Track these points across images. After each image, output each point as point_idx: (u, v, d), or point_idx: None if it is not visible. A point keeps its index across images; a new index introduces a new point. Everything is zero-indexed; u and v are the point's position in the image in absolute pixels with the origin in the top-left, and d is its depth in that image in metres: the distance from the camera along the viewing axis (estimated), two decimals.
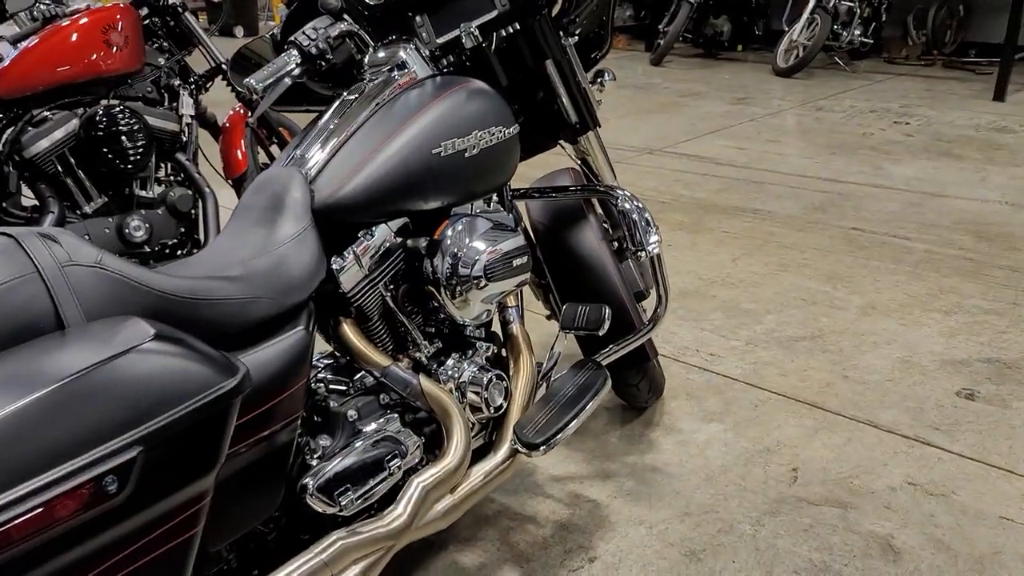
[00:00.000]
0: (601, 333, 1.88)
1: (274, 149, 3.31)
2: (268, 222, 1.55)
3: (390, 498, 1.59)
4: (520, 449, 1.76)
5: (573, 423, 1.78)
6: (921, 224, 4.08)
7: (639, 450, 2.32)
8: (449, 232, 1.71)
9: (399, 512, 1.56)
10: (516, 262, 1.78)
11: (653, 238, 1.91)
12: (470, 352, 1.84)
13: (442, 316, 1.80)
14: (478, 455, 1.79)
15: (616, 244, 2.27)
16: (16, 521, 0.88)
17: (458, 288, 1.70)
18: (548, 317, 2.39)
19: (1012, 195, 4.51)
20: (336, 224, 1.61)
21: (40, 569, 0.92)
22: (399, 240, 1.72)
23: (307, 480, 1.44)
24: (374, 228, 1.66)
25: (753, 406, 2.52)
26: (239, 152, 3.10)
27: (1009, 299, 3.22)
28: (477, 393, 1.78)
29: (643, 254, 1.90)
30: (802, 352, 2.85)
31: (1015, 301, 3.20)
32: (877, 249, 3.77)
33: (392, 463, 1.55)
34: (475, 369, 1.79)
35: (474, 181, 1.76)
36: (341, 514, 1.47)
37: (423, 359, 1.77)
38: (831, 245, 3.84)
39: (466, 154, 1.72)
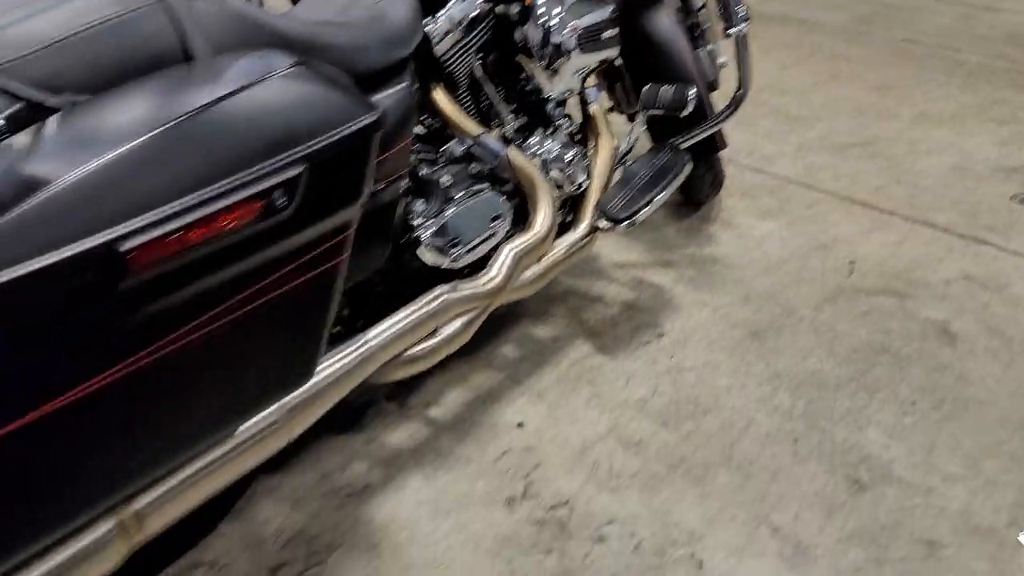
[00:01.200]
0: (684, 114, 1.86)
1: None
2: None
3: (481, 265, 1.64)
4: (602, 225, 1.79)
5: (656, 201, 1.80)
6: (973, 37, 3.96)
7: (697, 242, 2.36)
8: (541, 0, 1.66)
9: (493, 275, 1.60)
10: (605, 35, 1.74)
11: (742, 15, 1.85)
12: (553, 129, 1.83)
13: (528, 89, 1.78)
14: (558, 232, 1.82)
15: (690, 31, 2.21)
16: (195, 228, 0.91)
17: (549, 58, 1.67)
18: (610, 109, 2.36)
19: None
20: None
21: (215, 275, 0.96)
22: (489, 6, 1.67)
23: (420, 233, 1.48)
24: None
25: (807, 205, 2.55)
26: None
27: None
28: (561, 170, 1.78)
29: (733, 31, 1.85)
30: (854, 158, 2.84)
31: None
32: (928, 61, 3.67)
33: (495, 223, 1.58)
34: (559, 146, 1.79)
35: None
36: (451, 266, 1.52)
37: (508, 134, 1.76)
38: (881, 57, 3.73)
39: None
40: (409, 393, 1.79)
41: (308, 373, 1.17)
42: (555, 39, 1.65)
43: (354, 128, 1.06)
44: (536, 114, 1.82)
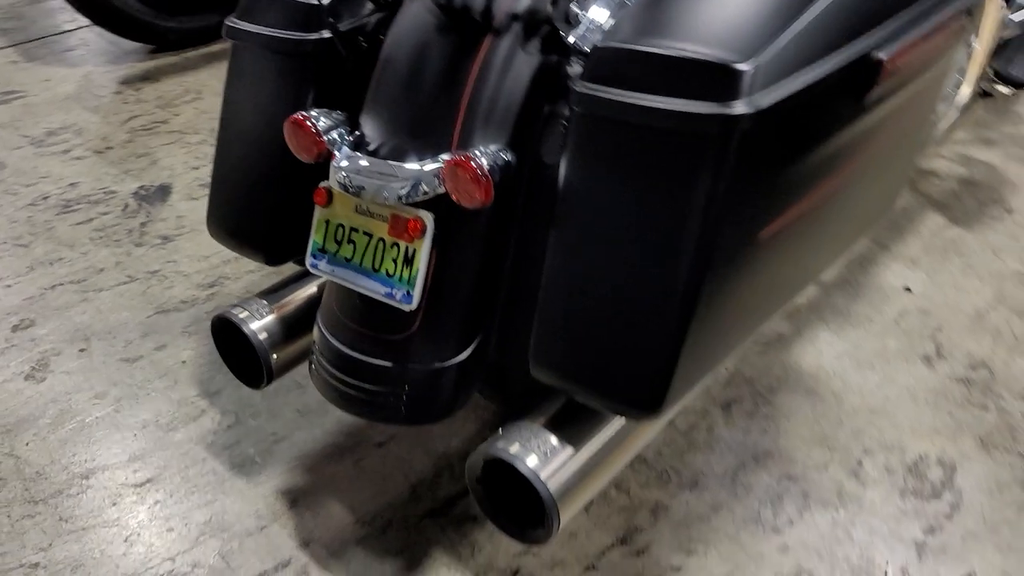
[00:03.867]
0: None
1: None
2: None
3: None
4: (998, 87, 1.75)
5: None
6: None
7: (1012, 122, 2.29)
8: None
9: None
10: None
11: None
12: None
13: None
14: None
15: None
16: (925, 35, 0.90)
17: None
18: None
19: None
20: None
21: (902, 96, 0.95)
22: None
23: None
24: None
25: None
26: None
27: None
28: None
29: None
30: None
31: None
32: None
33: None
34: None
35: None
36: None
37: None
38: None
39: None
40: None
41: (893, 202, 1.18)
42: None
43: None
44: None
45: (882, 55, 0.85)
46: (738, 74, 0.78)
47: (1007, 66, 1.73)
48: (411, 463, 1.34)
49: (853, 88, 0.86)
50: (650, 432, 1.03)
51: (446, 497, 1.28)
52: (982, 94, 1.83)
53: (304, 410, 1.42)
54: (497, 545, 1.22)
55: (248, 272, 1.70)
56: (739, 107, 0.78)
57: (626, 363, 0.85)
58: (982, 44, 1.79)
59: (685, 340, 0.84)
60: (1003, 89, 1.74)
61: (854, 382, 1.52)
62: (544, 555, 1.22)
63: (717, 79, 0.79)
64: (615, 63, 0.84)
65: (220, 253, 1.75)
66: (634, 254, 0.84)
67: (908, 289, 1.73)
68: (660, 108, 0.81)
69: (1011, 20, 1.86)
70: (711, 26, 0.82)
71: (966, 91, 1.78)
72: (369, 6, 1.11)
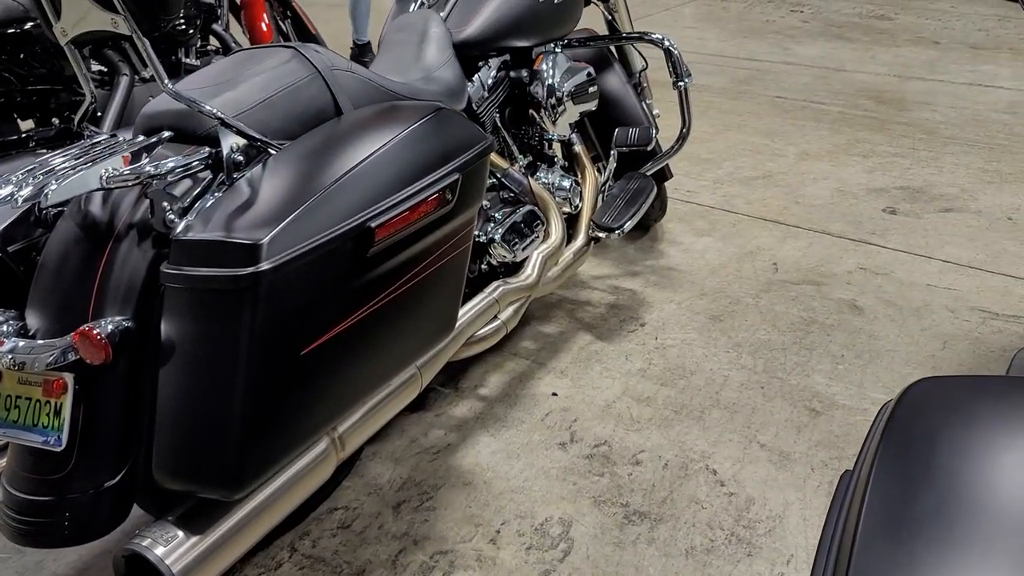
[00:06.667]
0: (650, 148, 2.41)
1: (286, 25, 3.59)
2: (419, 51, 1.97)
3: (517, 268, 2.10)
4: (598, 235, 2.29)
5: (636, 215, 2.33)
6: (831, 92, 4.78)
7: (653, 256, 2.89)
8: (545, 66, 2.18)
9: (529, 272, 2.07)
10: (590, 89, 2.27)
11: (687, 72, 2.42)
12: (551, 165, 2.33)
13: (533, 133, 2.28)
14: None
15: (634, 89, 2.78)
16: (407, 210, 1.34)
17: (553, 108, 2.18)
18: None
19: (898, 69, 5.27)
20: (463, 57, 2.05)
21: (413, 247, 1.38)
22: (506, 72, 2.17)
23: (493, 235, 1.93)
24: (490, 61, 2.11)
25: (732, 225, 3.14)
26: (263, 24, 3.38)
27: (909, 145, 3.95)
28: (562, 195, 2.28)
29: (682, 84, 2.42)
30: (759, 187, 3.48)
31: (913, 147, 3.93)
32: (800, 112, 4.43)
33: (537, 228, 2.05)
34: (558, 177, 2.29)
35: (558, 25, 2.22)
36: (512, 260, 1.97)
37: (521, 169, 2.25)
38: (761, 110, 4.47)
39: (555, 1, 2.17)
40: (460, 380, 2.21)
41: (452, 326, 1.59)
42: (557, 94, 2.16)
43: (482, 148, 1.52)
44: (539, 153, 2.32)
45: (373, 224, 1.29)
46: (259, 246, 1.18)
47: (601, 218, 2.29)
48: None
49: (359, 246, 1.28)
50: (267, 519, 1.34)
51: None
52: (595, 240, 2.38)
53: (23, 570, 1.62)
54: None
55: None
56: (263, 266, 1.17)
57: (211, 459, 1.18)
58: (586, 204, 2.36)
59: (249, 436, 1.18)
60: (601, 235, 2.29)
61: (502, 471, 1.89)
62: None
63: (247, 251, 1.18)
64: (187, 250, 1.23)
65: None
66: (208, 375, 1.19)
67: (555, 394, 2.16)
68: (216, 275, 1.19)
69: (604, 184, 2.46)
70: (243, 218, 1.23)
71: (580, 240, 2.32)
72: (40, 230, 1.46)
